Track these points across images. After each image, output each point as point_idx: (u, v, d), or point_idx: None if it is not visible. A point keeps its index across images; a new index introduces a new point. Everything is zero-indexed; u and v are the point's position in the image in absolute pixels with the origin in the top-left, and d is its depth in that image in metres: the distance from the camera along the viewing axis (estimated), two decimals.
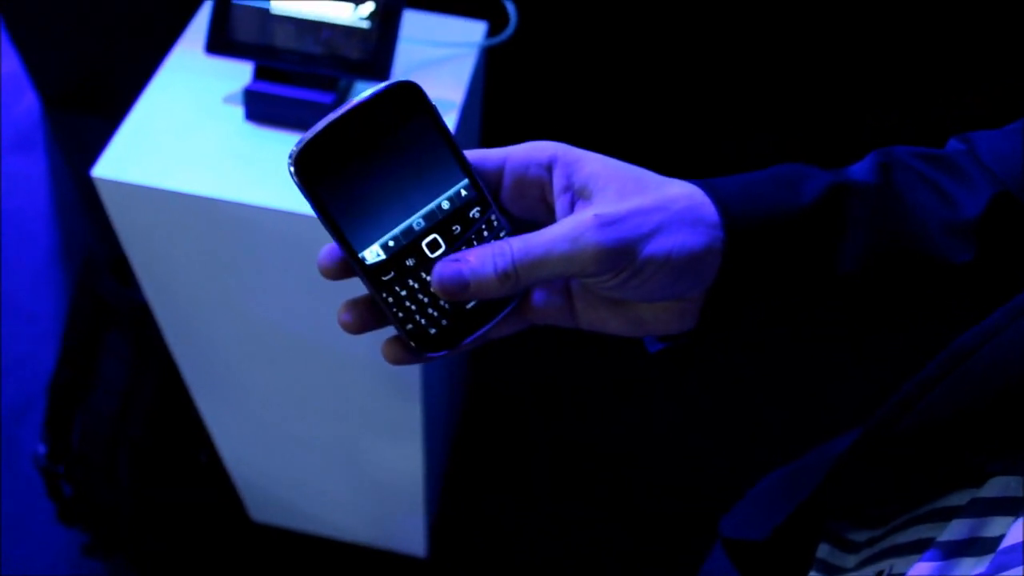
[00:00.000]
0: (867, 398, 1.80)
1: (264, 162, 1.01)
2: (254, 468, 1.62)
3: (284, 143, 1.03)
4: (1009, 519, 0.42)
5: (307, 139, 0.41)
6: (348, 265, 0.44)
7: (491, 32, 1.18)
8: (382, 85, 0.43)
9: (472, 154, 0.45)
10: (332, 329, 1.15)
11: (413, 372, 1.18)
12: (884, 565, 0.52)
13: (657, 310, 0.46)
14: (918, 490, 0.50)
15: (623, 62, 1.86)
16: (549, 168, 0.45)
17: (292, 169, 0.41)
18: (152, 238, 1.08)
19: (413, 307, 0.45)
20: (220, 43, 1.02)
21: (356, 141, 0.42)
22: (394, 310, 0.45)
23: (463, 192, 0.45)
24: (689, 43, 1.80)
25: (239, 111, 1.06)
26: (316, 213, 0.42)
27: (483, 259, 0.43)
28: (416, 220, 0.44)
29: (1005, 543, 0.40)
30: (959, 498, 0.47)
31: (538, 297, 0.48)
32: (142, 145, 1.02)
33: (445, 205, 0.44)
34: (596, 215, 0.42)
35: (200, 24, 1.15)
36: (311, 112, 1.03)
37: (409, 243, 0.44)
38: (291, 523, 1.77)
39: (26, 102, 2.50)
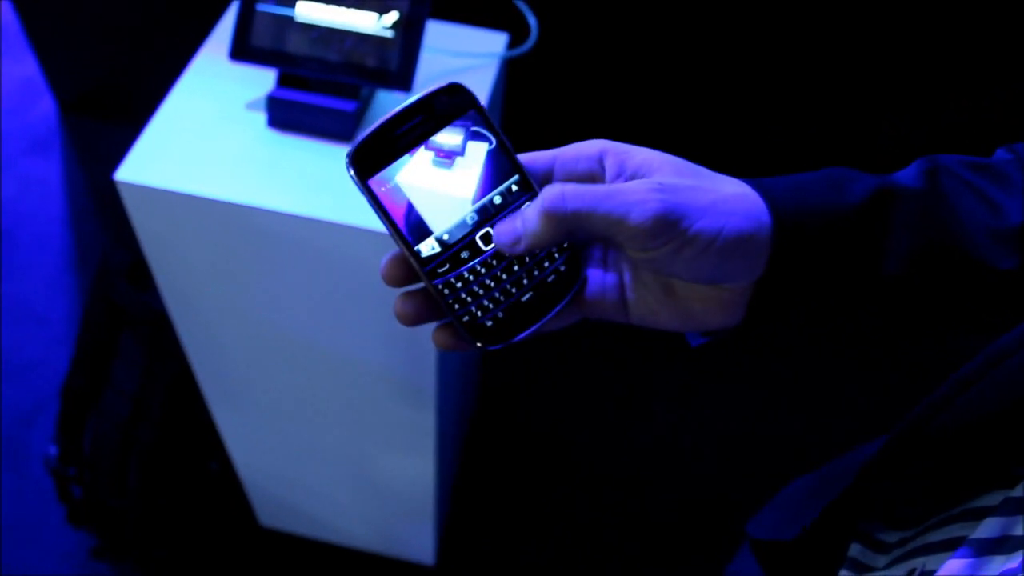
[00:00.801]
0: (885, 406, 1.80)
1: (286, 168, 1.02)
2: (265, 473, 1.62)
3: (306, 150, 1.04)
4: None
5: (363, 138, 0.43)
6: (408, 269, 0.46)
7: (512, 44, 1.19)
8: (433, 86, 0.45)
9: (522, 156, 0.47)
10: (349, 336, 1.16)
11: (428, 381, 1.19)
12: (916, 563, 0.52)
13: (706, 301, 0.47)
14: (951, 490, 0.51)
15: (643, 73, 1.86)
16: (600, 160, 0.46)
17: (349, 166, 0.43)
18: (172, 242, 1.09)
19: (469, 299, 0.46)
20: (244, 50, 1.02)
21: (409, 140, 0.44)
22: (450, 301, 0.46)
23: (514, 187, 0.46)
24: (708, 55, 1.80)
25: (262, 117, 1.06)
26: (373, 209, 0.44)
27: (536, 203, 0.44)
28: (470, 214, 0.46)
29: None
30: (992, 498, 0.47)
31: (591, 290, 0.48)
32: (165, 149, 1.02)
33: (497, 200, 0.46)
34: (655, 180, 0.44)
35: (224, 30, 1.16)
36: (333, 120, 1.03)
37: (463, 237, 0.45)
38: (300, 528, 1.77)
39: (43, 106, 2.52)
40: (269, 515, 1.76)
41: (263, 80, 1.08)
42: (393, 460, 1.43)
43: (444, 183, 0.45)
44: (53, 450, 1.67)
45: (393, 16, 1.00)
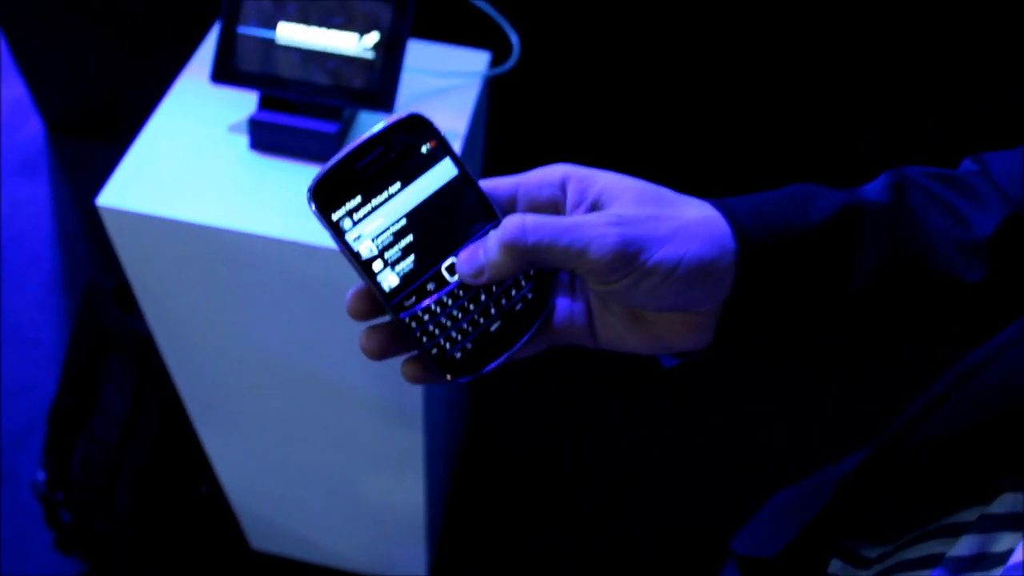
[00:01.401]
0: (869, 418, 1.80)
1: (268, 192, 1.01)
2: (255, 496, 1.61)
3: (289, 173, 1.03)
4: (1017, 535, 0.42)
5: (323, 172, 0.43)
6: (375, 303, 0.45)
7: (494, 62, 1.18)
8: (392, 118, 0.45)
9: (485, 183, 0.47)
10: (335, 359, 1.15)
11: (415, 403, 1.18)
12: None
13: (674, 325, 0.46)
14: (928, 506, 0.51)
15: (626, 91, 1.86)
16: (562, 187, 0.46)
17: (311, 201, 0.43)
18: (156, 267, 1.08)
19: (436, 331, 0.46)
20: (226, 72, 1.02)
21: (370, 172, 0.44)
22: (418, 335, 0.45)
23: (477, 216, 0.46)
24: (692, 74, 1.81)
25: (244, 140, 1.06)
26: (336, 243, 0.44)
27: (497, 233, 0.44)
28: (434, 245, 0.45)
29: (1013, 560, 0.40)
30: (969, 514, 0.47)
31: (558, 317, 0.48)
32: (147, 174, 1.02)
33: (460, 230, 0.46)
34: (613, 213, 0.43)
35: (206, 53, 1.15)
36: (316, 142, 1.03)
37: (428, 268, 0.45)
38: (291, 551, 1.76)
39: (31, 127, 2.51)
40: (260, 538, 1.75)
41: (245, 103, 1.08)
42: (383, 481, 1.42)
43: (407, 214, 0.45)
44: (41, 475, 1.66)
45: (374, 37, 1.00)
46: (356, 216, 0.44)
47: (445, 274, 0.45)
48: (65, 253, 2.31)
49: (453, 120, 1.10)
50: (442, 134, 0.46)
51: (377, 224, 0.44)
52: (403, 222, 0.45)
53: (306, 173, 1.03)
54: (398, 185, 0.45)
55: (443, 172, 0.45)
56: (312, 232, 0.97)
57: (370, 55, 1.00)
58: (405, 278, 0.45)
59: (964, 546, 0.45)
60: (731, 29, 1.70)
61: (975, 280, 0.46)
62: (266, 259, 1.01)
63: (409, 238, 0.45)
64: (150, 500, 1.63)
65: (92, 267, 2.27)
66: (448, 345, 0.46)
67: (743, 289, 0.44)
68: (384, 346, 0.46)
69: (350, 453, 1.37)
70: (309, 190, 0.43)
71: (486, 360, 0.47)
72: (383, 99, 1.01)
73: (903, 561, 0.52)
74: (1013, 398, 0.42)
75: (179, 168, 1.03)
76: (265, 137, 1.04)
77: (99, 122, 2.47)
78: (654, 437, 1.97)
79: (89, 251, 2.32)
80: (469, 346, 0.46)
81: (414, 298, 0.45)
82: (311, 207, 0.43)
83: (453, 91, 1.14)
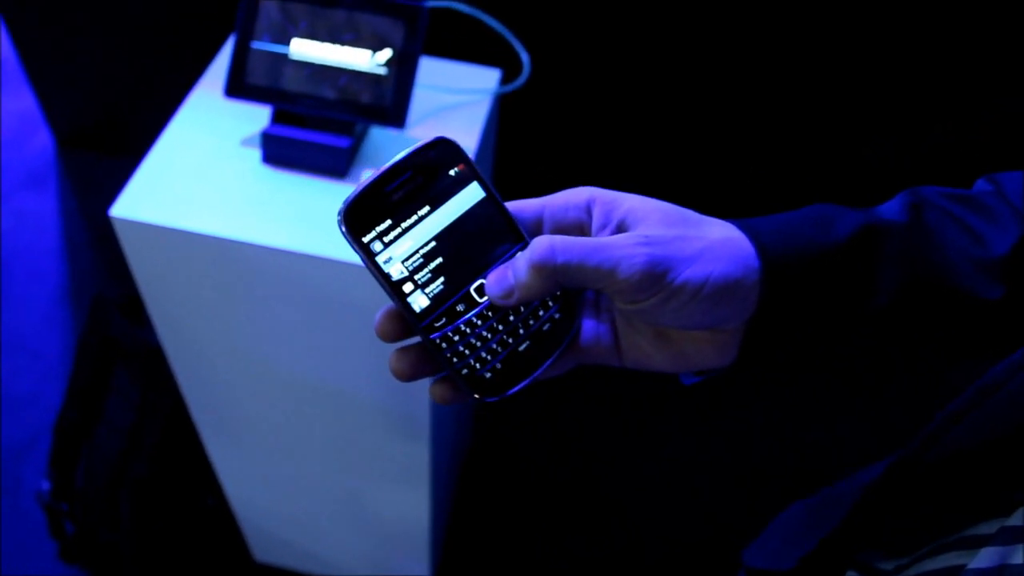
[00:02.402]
0: (881, 429, 1.80)
1: (280, 205, 1.02)
2: (259, 508, 1.61)
3: (300, 186, 1.04)
4: None
5: (353, 196, 0.44)
6: (404, 324, 0.46)
7: (505, 79, 1.20)
8: (420, 142, 0.45)
9: (511, 205, 0.47)
10: (342, 371, 1.16)
11: (422, 415, 1.19)
12: None
13: (699, 343, 0.47)
14: (947, 520, 0.51)
15: (635, 108, 1.88)
16: (588, 209, 0.47)
17: (341, 224, 0.44)
18: (167, 278, 1.09)
19: (467, 351, 0.46)
20: (239, 87, 1.03)
21: (399, 195, 0.45)
22: (448, 355, 0.46)
23: (504, 238, 0.47)
24: (700, 89, 1.82)
25: (256, 154, 1.07)
26: (367, 266, 0.44)
27: (526, 254, 0.44)
28: (463, 267, 0.46)
29: None
30: (988, 527, 0.48)
31: (585, 337, 0.49)
32: (160, 186, 1.03)
33: (489, 251, 0.46)
34: (641, 233, 0.44)
35: (219, 68, 1.17)
36: (328, 156, 1.04)
37: (457, 290, 0.46)
38: (295, 563, 1.76)
39: (39, 141, 2.53)
40: (264, 550, 1.75)
41: (258, 117, 1.09)
42: (388, 494, 1.42)
43: (436, 237, 0.45)
44: (45, 485, 1.66)
45: (386, 53, 1.01)
46: (386, 239, 0.44)
47: (474, 295, 0.46)
48: (71, 266, 2.32)
49: (464, 136, 1.11)
50: (469, 157, 0.46)
51: (407, 246, 0.45)
52: (432, 244, 0.45)
53: (318, 187, 1.04)
54: (427, 208, 0.45)
55: (471, 195, 0.46)
56: (323, 245, 0.98)
57: (382, 71, 1.02)
58: (435, 299, 0.45)
59: (984, 558, 0.46)
60: (738, 41, 1.72)
61: (993, 298, 0.47)
62: (277, 271, 1.02)
63: (439, 260, 0.45)
64: (154, 511, 1.63)
65: (97, 280, 2.28)
66: (478, 365, 0.46)
67: (767, 307, 0.45)
68: (414, 368, 0.47)
69: (356, 465, 1.37)
70: (340, 213, 0.44)
71: (515, 380, 0.48)
72: (395, 115, 1.02)
73: (921, 573, 0.52)
74: None
75: (192, 180, 1.04)
76: (277, 151, 1.05)
77: (107, 136, 2.48)
78: (662, 447, 1.98)
79: (95, 264, 2.33)
80: (499, 366, 0.47)
81: (444, 319, 0.46)
82: (341, 230, 0.44)
83: (464, 107, 1.15)
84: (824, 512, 0.61)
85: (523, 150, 1.73)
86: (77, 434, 1.65)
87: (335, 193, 1.04)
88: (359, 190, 0.44)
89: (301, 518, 1.59)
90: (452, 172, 0.46)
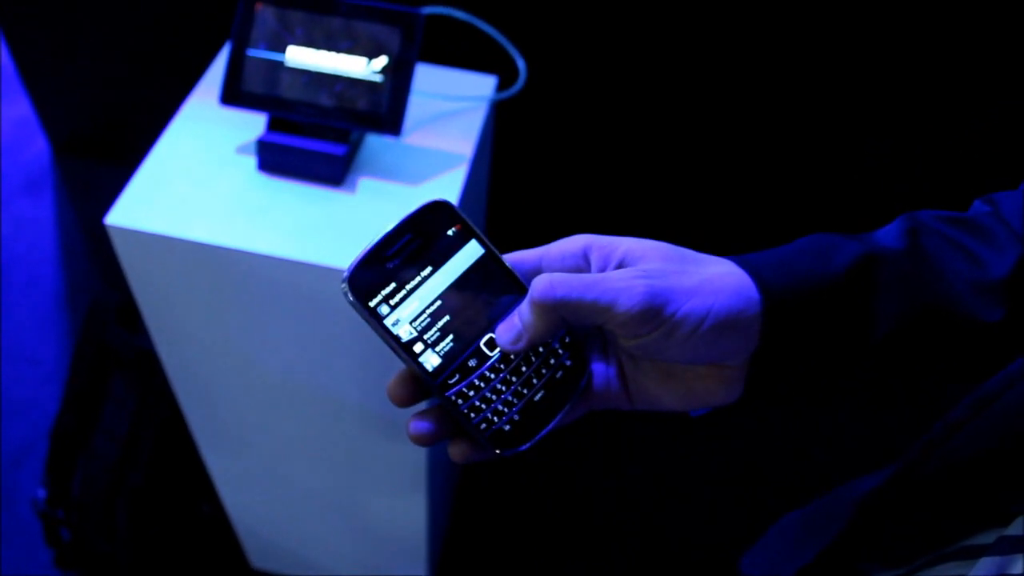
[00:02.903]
0: (877, 441, 1.80)
1: (276, 212, 1.02)
2: (256, 516, 1.61)
3: (296, 194, 1.04)
4: None
5: (357, 263, 0.45)
6: (416, 387, 0.47)
7: (501, 86, 1.20)
8: (416, 207, 0.47)
9: (509, 257, 0.48)
10: (338, 380, 1.16)
11: None
12: None
13: (705, 380, 0.47)
14: (946, 530, 0.51)
15: (633, 115, 1.88)
16: (585, 256, 0.47)
17: (347, 292, 0.45)
18: (163, 286, 1.09)
19: (483, 405, 0.47)
20: (234, 94, 1.03)
21: (401, 259, 0.46)
22: (465, 411, 0.47)
23: (508, 292, 0.48)
24: (698, 96, 1.82)
25: (252, 161, 1.07)
26: (376, 331, 0.45)
27: (528, 296, 0.45)
28: (470, 323, 0.47)
29: None
30: (986, 537, 0.48)
31: (595, 383, 0.50)
32: (155, 193, 1.03)
33: (493, 305, 0.47)
34: (639, 269, 0.45)
35: (214, 75, 1.17)
36: (323, 164, 1.04)
37: (467, 346, 0.47)
38: (292, 571, 1.76)
39: (36, 147, 2.53)
40: (260, 557, 1.75)
41: (253, 124, 1.09)
42: (385, 501, 1.42)
43: (440, 296, 0.46)
44: (41, 493, 1.66)
45: (382, 60, 1.01)
46: (392, 302, 0.45)
47: (485, 349, 0.47)
48: (67, 273, 2.32)
49: (460, 143, 1.11)
50: (465, 217, 0.48)
51: (413, 307, 0.46)
52: (438, 303, 0.46)
53: (314, 194, 1.04)
54: (429, 269, 0.46)
55: (470, 252, 0.47)
56: (318, 252, 0.98)
57: (378, 78, 1.02)
58: (446, 357, 0.46)
59: (982, 568, 0.46)
60: (737, 47, 1.72)
61: (994, 320, 0.47)
62: (273, 279, 1.01)
63: (446, 318, 0.46)
64: (150, 518, 1.63)
65: (94, 287, 2.27)
66: (496, 419, 0.47)
67: (770, 340, 0.45)
68: (435, 430, 0.47)
69: (353, 473, 1.37)
70: (344, 280, 0.45)
71: (534, 431, 0.48)
72: (391, 122, 1.02)
73: None
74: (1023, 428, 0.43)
75: (187, 188, 1.04)
76: (273, 158, 1.05)
77: (104, 143, 2.48)
78: (661, 458, 1.97)
79: (91, 271, 2.33)
80: (517, 417, 0.48)
81: (458, 376, 0.46)
82: (349, 299, 0.45)
83: (460, 114, 1.15)
84: (821, 523, 0.61)
85: (520, 157, 1.74)
86: (74, 441, 1.65)
87: (331, 201, 1.04)
88: (361, 257, 0.45)
89: (298, 525, 1.59)
90: (450, 232, 0.47)
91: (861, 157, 1.85)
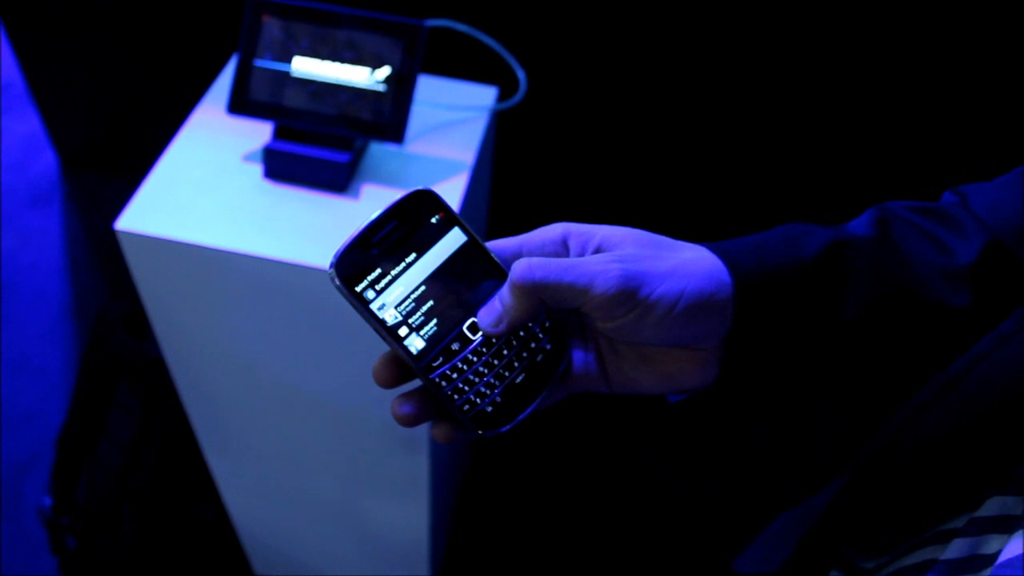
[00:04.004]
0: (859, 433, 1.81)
1: (282, 218, 1.04)
2: (260, 522, 1.62)
3: (301, 200, 1.07)
4: (1006, 536, 0.44)
5: (343, 249, 0.46)
6: (401, 369, 0.49)
7: (502, 97, 1.22)
8: (402, 195, 0.48)
9: (490, 244, 0.50)
10: (344, 384, 1.17)
11: (421, 431, 1.20)
12: None
13: (681, 362, 0.49)
14: (920, 514, 0.52)
15: (633, 124, 1.90)
16: (564, 243, 0.49)
17: (334, 277, 0.46)
18: (171, 291, 1.11)
19: (466, 387, 0.48)
20: (241, 104, 1.06)
21: (386, 245, 0.47)
22: (448, 392, 0.48)
23: (490, 278, 0.49)
24: (699, 105, 1.84)
25: (258, 169, 1.09)
26: (362, 314, 0.47)
27: (507, 279, 0.47)
28: (453, 308, 0.49)
29: (1001, 559, 0.42)
30: (959, 521, 0.49)
31: (574, 366, 0.51)
32: (164, 200, 1.05)
33: (475, 290, 0.49)
34: (614, 253, 0.47)
35: (222, 86, 1.19)
36: (328, 171, 1.06)
37: (450, 330, 0.48)
38: None
39: (44, 160, 2.56)
40: (264, 563, 1.76)
41: (259, 133, 1.11)
42: (388, 507, 1.43)
43: (424, 281, 0.48)
44: (47, 501, 1.67)
45: (385, 71, 1.04)
46: (378, 287, 0.47)
47: (467, 333, 0.49)
48: (74, 284, 2.34)
49: (461, 152, 1.14)
50: (448, 205, 0.49)
51: (398, 292, 0.47)
52: (422, 288, 0.48)
53: (318, 201, 1.07)
54: (413, 255, 0.48)
55: (453, 240, 0.49)
56: (324, 257, 1.00)
57: (381, 88, 1.04)
58: (430, 341, 0.48)
59: (955, 550, 0.47)
60: (735, 56, 1.74)
61: (961, 305, 0.49)
62: (279, 283, 1.03)
63: (430, 303, 0.48)
64: (155, 525, 1.64)
65: (100, 298, 2.29)
66: (478, 400, 0.49)
67: (742, 323, 0.47)
68: (419, 411, 0.49)
69: (357, 479, 1.39)
70: (331, 265, 0.46)
71: (516, 412, 0.50)
72: (394, 131, 1.04)
73: (899, 569, 0.54)
74: (990, 404, 0.45)
75: (196, 195, 1.06)
76: (279, 166, 1.08)
77: (111, 156, 2.51)
78: (658, 459, 1.98)
79: (97, 282, 2.35)
80: (499, 399, 0.49)
81: (441, 359, 0.48)
82: (335, 282, 0.46)
83: (461, 124, 1.18)
84: (804, 516, 0.63)
85: (521, 166, 1.76)
86: (79, 449, 1.66)
87: (335, 207, 1.06)
88: (347, 243, 0.46)
89: (301, 531, 1.60)
90: (434, 220, 0.49)
91: (845, 158, 1.87)
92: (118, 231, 1.02)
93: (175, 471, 1.64)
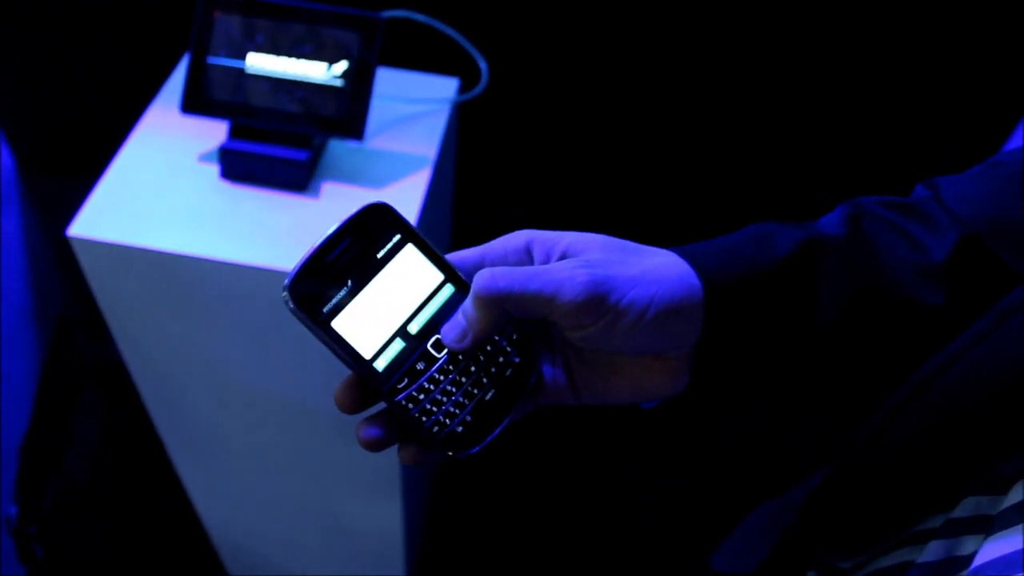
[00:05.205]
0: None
1: (239, 220, 1.02)
2: (231, 524, 1.60)
3: (259, 201, 1.04)
4: (981, 537, 0.43)
5: (296, 270, 0.44)
6: (363, 393, 0.46)
7: (463, 88, 1.20)
8: (355, 210, 0.46)
9: (451, 256, 0.48)
10: (306, 386, 1.16)
11: None
12: None
13: (651, 372, 0.47)
14: (896, 515, 0.52)
15: (596, 114, 1.89)
16: (527, 251, 0.47)
17: (288, 301, 0.43)
18: (128, 297, 1.08)
19: (434, 408, 0.46)
20: (195, 102, 1.03)
21: (341, 264, 0.45)
22: (416, 415, 0.46)
23: (452, 292, 0.47)
24: (660, 96, 1.83)
25: (214, 170, 1.07)
26: (319, 338, 0.44)
27: (472, 295, 0.45)
28: (415, 326, 0.46)
29: (976, 562, 0.41)
30: (935, 521, 0.48)
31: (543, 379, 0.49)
32: (117, 204, 1.02)
33: (437, 306, 0.47)
34: (581, 259, 0.45)
35: (175, 84, 1.16)
36: (286, 170, 1.04)
37: (414, 349, 0.46)
38: None
39: (1, 161, 2.50)
40: (237, 564, 1.74)
41: (215, 132, 1.08)
42: (360, 506, 1.42)
43: (384, 299, 0.45)
44: (13, 510, 1.64)
45: (342, 65, 1.02)
46: (336, 308, 0.44)
47: (432, 351, 0.46)
48: (35, 287, 2.29)
49: (423, 146, 1.12)
50: (404, 218, 0.47)
51: (356, 312, 0.45)
52: (382, 307, 0.45)
53: (278, 201, 1.04)
54: (371, 272, 0.45)
55: (412, 254, 0.46)
56: (283, 259, 0.98)
57: (339, 83, 1.02)
58: (394, 362, 0.45)
59: (931, 552, 0.46)
60: (700, 47, 1.73)
61: (935, 303, 0.48)
62: (238, 287, 1.01)
63: (391, 322, 0.45)
64: (125, 531, 1.62)
65: (62, 301, 2.25)
66: (448, 421, 0.46)
67: (713, 328, 0.45)
68: (385, 434, 0.46)
69: (326, 479, 1.37)
70: (285, 289, 0.43)
71: (487, 430, 0.47)
72: (353, 127, 1.02)
73: (876, 570, 0.53)
74: (962, 406, 0.44)
75: (150, 198, 1.03)
76: (235, 166, 1.05)
77: (70, 156, 2.46)
78: (636, 455, 1.98)
79: (60, 285, 2.31)
80: (469, 418, 0.47)
81: (406, 380, 0.45)
82: (290, 306, 0.43)
83: (422, 117, 1.16)
84: (779, 516, 0.62)
85: (484, 158, 1.74)
86: (44, 456, 1.63)
87: (294, 207, 1.04)
88: (300, 263, 0.44)
89: (273, 532, 1.58)
90: (391, 235, 0.46)
91: (815, 152, 1.87)
92: (71, 237, 0.99)
93: (143, 476, 1.61)
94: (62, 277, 2.30)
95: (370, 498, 1.38)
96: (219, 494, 1.51)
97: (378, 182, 1.07)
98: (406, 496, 1.37)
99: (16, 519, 1.64)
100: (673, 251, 0.47)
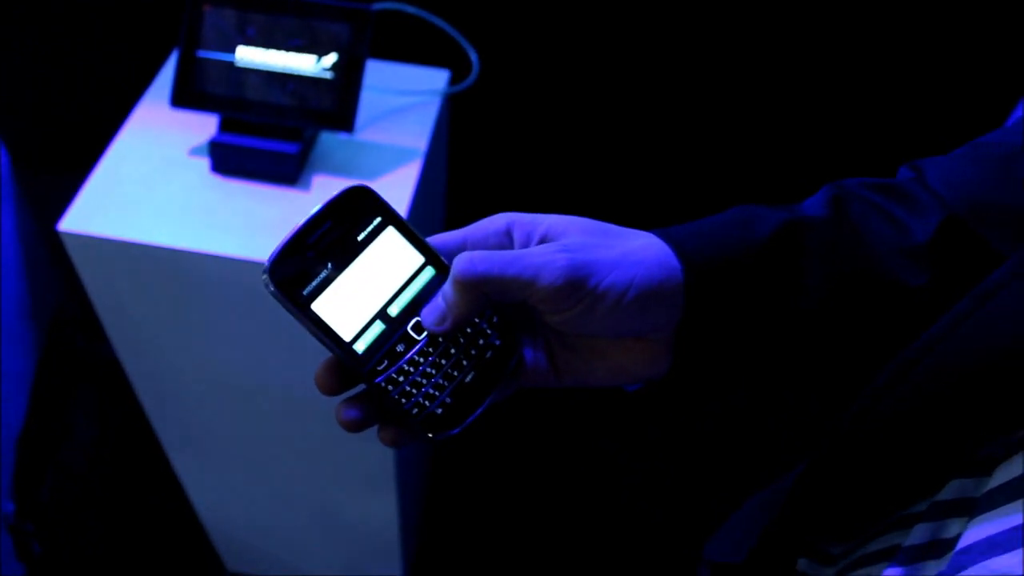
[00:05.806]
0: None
1: (230, 213, 1.02)
2: (228, 518, 1.60)
3: (250, 194, 1.04)
4: (965, 520, 0.43)
5: (276, 252, 0.43)
6: (344, 375, 0.46)
7: (454, 80, 1.20)
8: (336, 192, 0.45)
9: (432, 239, 0.48)
10: (301, 379, 1.15)
11: None
12: (859, 574, 0.53)
13: (632, 354, 0.47)
14: (882, 499, 0.52)
15: (587, 105, 1.89)
16: (508, 234, 0.47)
17: (269, 283, 0.43)
18: (120, 291, 1.08)
19: (414, 390, 0.46)
20: (185, 96, 1.03)
21: (322, 246, 0.45)
22: (396, 396, 0.46)
23: (432, 275, 0.47)
24: (653, 87, 1.83)
25: (205, 163, 1.07)
26: (300, 320, 0.44)
27: (451, 279, 0.45)
28: (395, 308, 0.46)
29: (961, 544, 0.41)
30: (922, 504, 0.48)
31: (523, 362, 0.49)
32: (108, 199, 1.02)
33: (418, 288, 0.47)
34: (560, 243, 0.45)
35: (165, 78, 1.16)
36: (277, 163, 1.04)
37: (394, 331, 0.46)
38: (267, 571, 1.75)
39: None
40: (235, 559, 1.74)
41: (205, 126, 1.08)
42: (356, 500, 1.42)
43: (365, 282, 0.45)
44: (9, 506, 1.64)
45: (332, 58, 1.01)
46: (316, 290, 0.44)
47: (412, 334, 0.46)
48: (30, 284, 2.29)
49: (414, 138, 1.12)
50: (385, 201, 0.47)
51: (336, 295, 0.45)
52: (362, 290, 0.45)
53: (268, 194, 1.04)
54: (352, 255, 0.45)
55: (392, 237, 0.46)
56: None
57: (329, 75, 1.02)
58: (373, 344, 0.45)
59: (916, 535, 0.46)
60: (691, 38, 1.73)
61: (919, 284, 0.48)
62: (229, 280, 1.01)
63: (371, 304, 0.45)
64: (122, 525, 1.62)
65: (58, 297, 2.25)
66: (427, 403, 0.46)
67: (694, 310, 0.45)
68: (363, 415, 0.46)
69: (322, 473, 1.37)
70: (265, 271, 0.43)
71: (466, 413, 0.47)
72: (343, 119, 1.02)
73: (865, 555, 0.53)
74: (946, 388, 0.44)
75: (141, 192, 1.03)
76: (226, 159, 1.05)
77: (63, 152, 2.46)
78: (618, 437, 1.98)
79: (55, 281, 2.30)
80: (449, 400, 0.47)
81: (386, 362, 0.45)
82: (270, 289, 0.43)
83: (413, 109, 1.15)
84: (768, 504, 0.62)
85: (475, 150, 1.74)
86: (41, 452, 1.63)
87: (286, 200, 1.04)
88: (280, 246, 0.44)
89: (271, 526, 1.59)
90: (371, 218, 0.46)
91: (797, 134, 1.87)
92: (62, 232, 0.99)
93: (140, 472, 1.61)
94: (57, 274, 2.30)
95: (365, 492, 1.38)
96: (216, 489, 1.51)
97: (369, 174, 1.07)
98: (401, 489, 1.37)
99: (13, 516, 1.64)
100: (654, 233, 0.47)
